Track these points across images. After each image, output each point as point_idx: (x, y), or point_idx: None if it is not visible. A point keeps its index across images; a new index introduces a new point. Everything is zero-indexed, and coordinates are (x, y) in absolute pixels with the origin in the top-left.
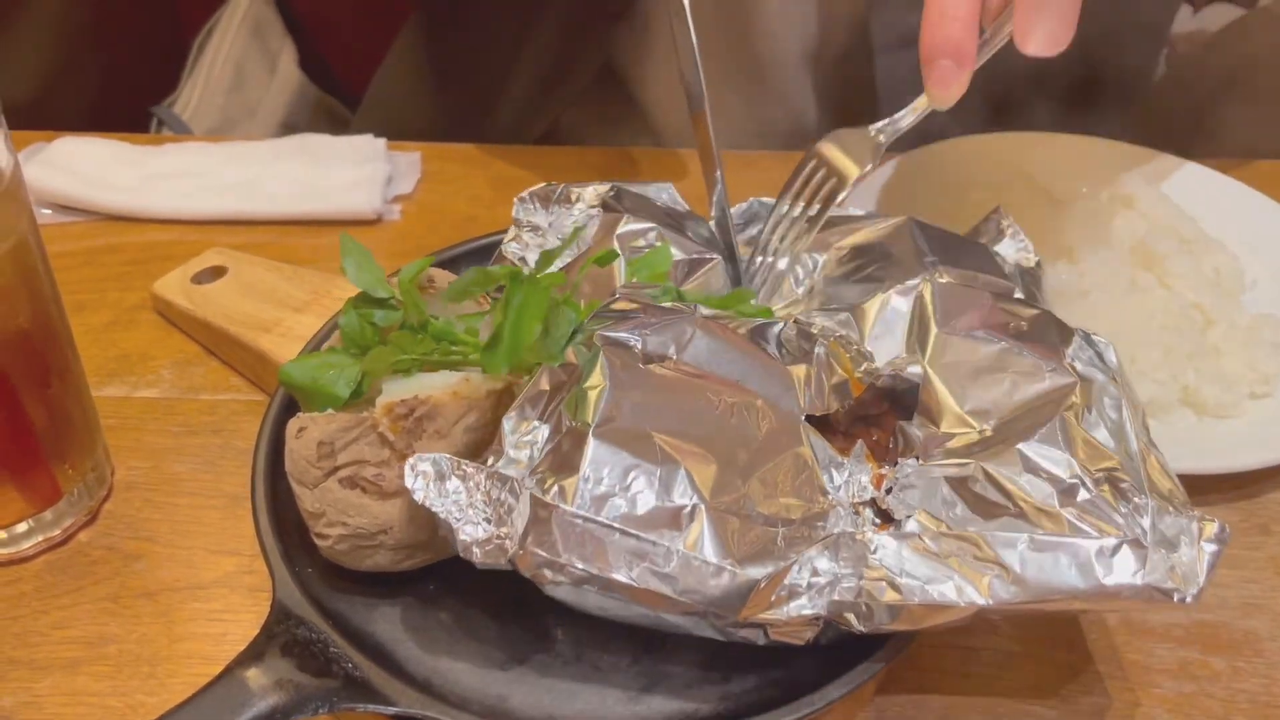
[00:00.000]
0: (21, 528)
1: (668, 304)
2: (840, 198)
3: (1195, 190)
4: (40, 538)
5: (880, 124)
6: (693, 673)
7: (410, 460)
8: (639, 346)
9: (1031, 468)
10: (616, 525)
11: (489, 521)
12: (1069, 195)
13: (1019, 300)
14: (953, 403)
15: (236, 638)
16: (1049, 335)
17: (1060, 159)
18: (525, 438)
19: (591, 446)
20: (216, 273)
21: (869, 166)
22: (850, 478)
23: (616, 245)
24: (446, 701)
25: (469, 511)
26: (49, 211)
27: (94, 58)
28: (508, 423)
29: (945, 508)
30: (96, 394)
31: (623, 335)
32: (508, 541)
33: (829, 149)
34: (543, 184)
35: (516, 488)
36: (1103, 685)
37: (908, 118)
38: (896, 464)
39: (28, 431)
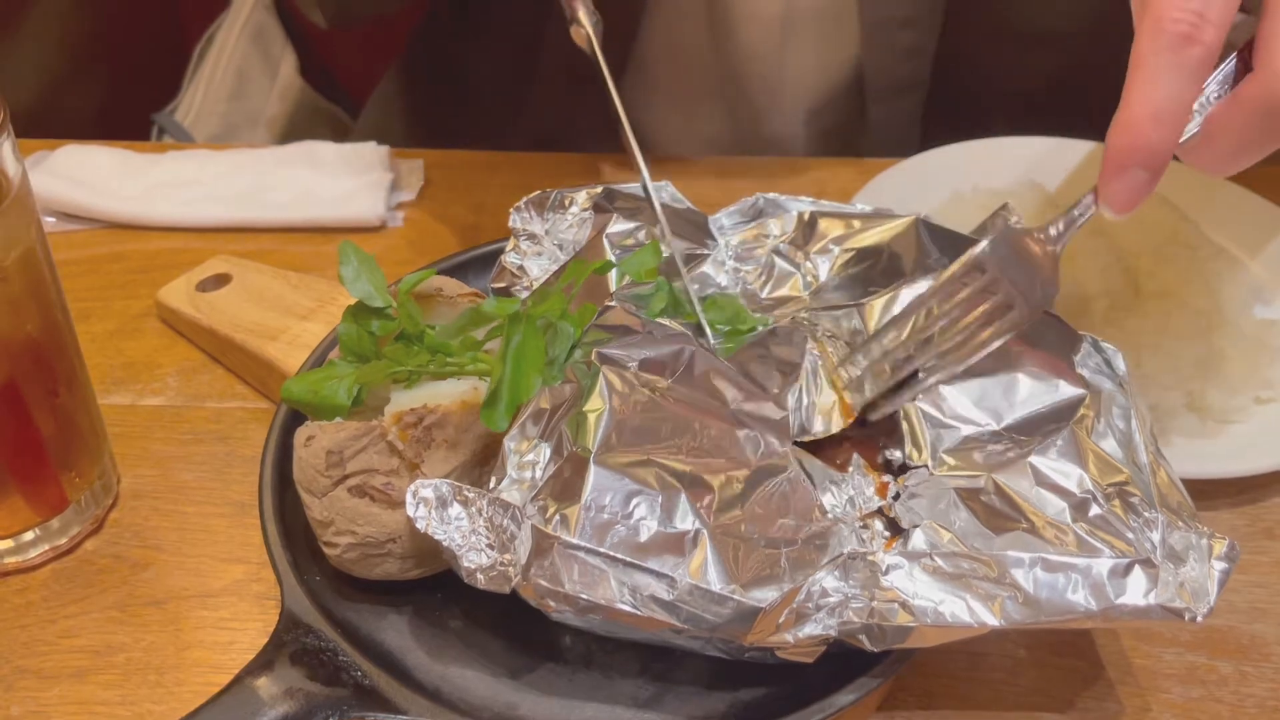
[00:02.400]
0: (28, 536)
1: (665, 320)
2: (1001, 340)
3: (1198, 195)
4: (47, 546)
5: (1053, 232)
6: (701, 681)
7: (412, 487)
8: (636, 367)
9: (1043, 481)
10: (619, 556)
11: (492, 548)
12: (1070, 201)
13: None
14: (958, 396)
15: (244, 646)
16: (1058, 340)
17: (1065, 164)
18: (527, 458)
19: (593, 473)
20: (221, 280)
21: (1049, 301)
22: (854, 493)
23: (606, 244)
24: (456, 710)
25: (471, 538)
26: (53, 220)
27: (96, 65)
28: (510, 442)
29: (955, 519)
30: (102, 402)
31: (621, 354)
32: (511, 569)
33: (1002, 268)
34: (538, 192)
35: (518, 515)
36: (1110, 691)
37: (1077, 224)
38: (903, 470)
39: (35, 440)
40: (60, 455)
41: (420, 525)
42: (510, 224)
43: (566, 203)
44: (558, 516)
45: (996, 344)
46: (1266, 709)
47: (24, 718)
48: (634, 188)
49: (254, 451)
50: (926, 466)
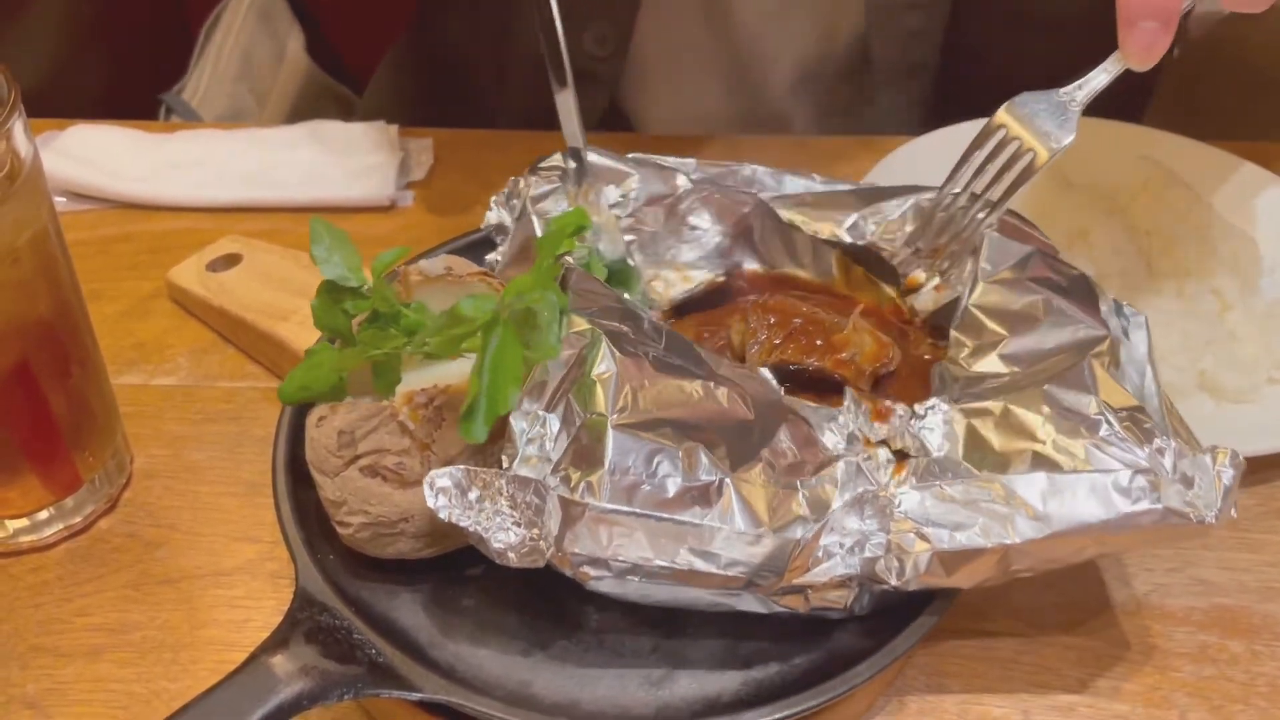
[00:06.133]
0: (43, 515)
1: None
2: (1034, 178)
3: (1211, 174)
4: (61, 525)
5: (1070, 88)
6: (714, 658)
7: (428, 479)
8: (631, 334)
9: (1055, 405)
10: (651, 513)
11: (519, 525)
12: (1084, 179)
13: (1062, 259)
14: (989, 344)
15: (258, 624)
16: (1088, 294)
17: (1075, 143)
18: (534, 431)
19: (612, 437)
20: (231, 260)
21: (1068, 139)
22: (853, 427)
23: (531, 210)
24: (470, 687)
25: (496, 519)
26: (63, 200)
27: (103, 45)
28: (515, 422)
29: (970, 449)
30: (114, 382)
31: (612, 323)
32: (542, 543)
33: (1017, 118)
34: (510, 179)
35: (541, 489)
36: (1122, 669)
37: (1100, 78)
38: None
39: (49, 420)
40: (73, 435)
41: (443, 515)
42: (484, 225)
43: (520, 185)
44: (583, 484)
45: (1022, 187)
46: (1278, 687)
47: (40, 695)
48: (555, 159)
49: (265, 431)
50: (946, 398)
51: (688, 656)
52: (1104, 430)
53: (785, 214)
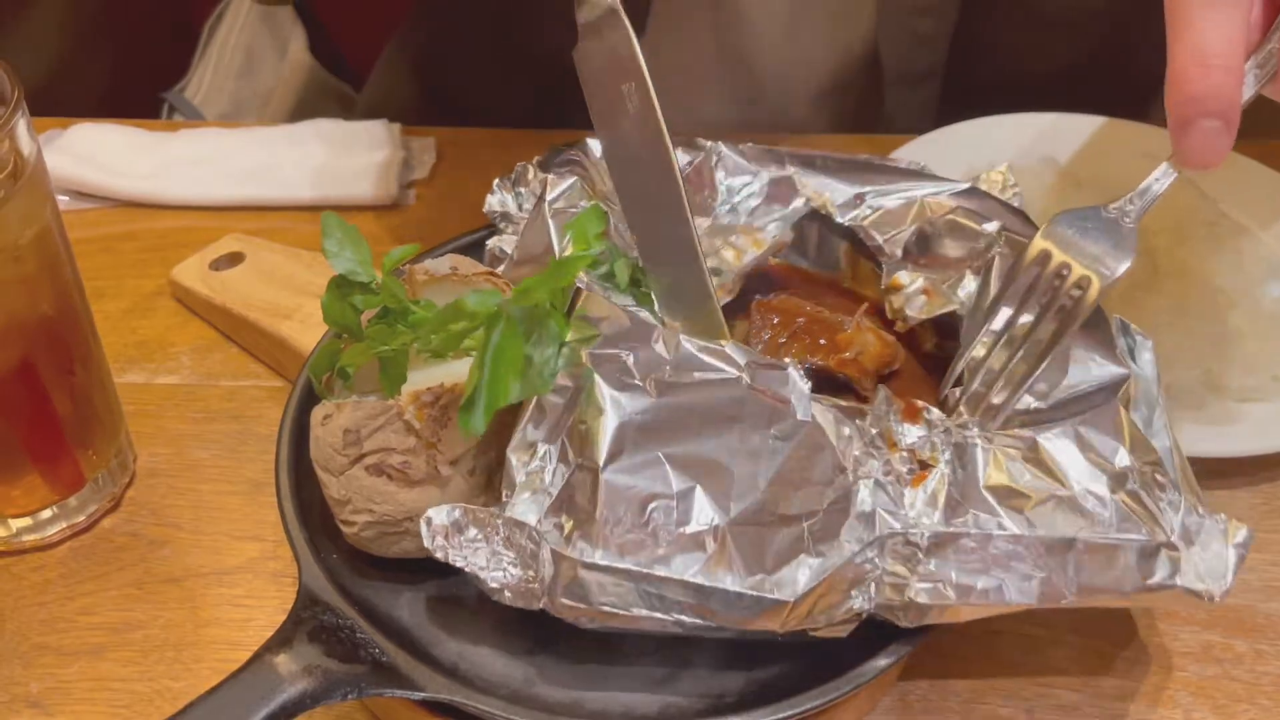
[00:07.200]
0: (46, 514)
1: (644, 313)
2: (1086, 314)
3: (1215, 172)
4: (65, 524)
5: (1120, 202)
6: (718, 658)
7: (424, 517)
8: (632, 361)
9: (1086, 450)
10: (642, 570)
11: (515, 565)
12: (1090, 177)
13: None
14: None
15: (261, 623)
16: (1099, 318)
17: (1081, 140)
18: (533, 465)
19: (605, 487)
20: (234, 259)
21: (1125, 264)
22: (879, 428)
23: (548, 213)
24: (473, 687)
25: (492, 559)
26: (65, 198)
27: (105, 44)
28: (513, 455)
29: (993, 478)
30: (116, 381)
31: (612, 351)
32: (536, 586)
33: (1059, 242)
34: (516, 169)
35: (535, 535)
36: (1127, 669)
37: (1154, 188)
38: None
39: (52, 419)
40: (77, 433)
41: (439, 556)
42: (486, 208)
43: (529, 175)
44: (576, 535)
45: (1080, 320)
46: None
47: (43, 694)
48: (569, 154)
49: (267, 430)
50: (977, 423)
51: (691, 656)
52: (1130, 485)
53: (791, 169)
